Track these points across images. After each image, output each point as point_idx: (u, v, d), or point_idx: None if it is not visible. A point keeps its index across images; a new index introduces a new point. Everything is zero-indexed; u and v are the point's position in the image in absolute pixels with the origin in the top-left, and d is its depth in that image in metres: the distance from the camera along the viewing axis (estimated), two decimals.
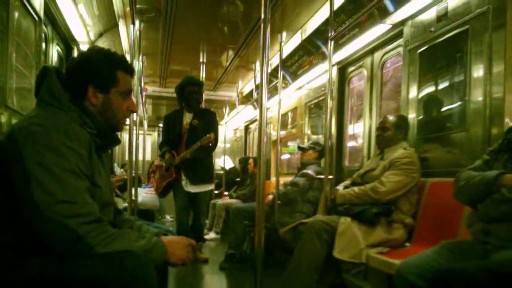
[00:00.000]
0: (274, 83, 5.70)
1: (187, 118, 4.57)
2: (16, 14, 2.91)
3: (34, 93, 1.59)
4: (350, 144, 4.91)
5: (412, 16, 3.43)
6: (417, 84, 3.36)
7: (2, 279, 1.36)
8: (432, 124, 3.21)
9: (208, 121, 4.49)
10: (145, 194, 6.60)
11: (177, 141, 4.54)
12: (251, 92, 7.68)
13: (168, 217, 9.02)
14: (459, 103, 2.93)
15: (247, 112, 8.69)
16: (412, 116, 3.39)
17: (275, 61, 5.90)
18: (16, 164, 1.35)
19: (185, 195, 4.51)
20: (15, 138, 1.37)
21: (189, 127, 4.50)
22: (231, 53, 6.56)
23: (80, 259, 1.36)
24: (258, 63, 6.59)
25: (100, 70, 1.60)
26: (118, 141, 1.73)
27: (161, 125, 12.67)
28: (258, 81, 6.33)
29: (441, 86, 3.12)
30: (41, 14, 3.40)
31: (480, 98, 2.72)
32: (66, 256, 1.36)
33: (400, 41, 3.75)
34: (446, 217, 2.67)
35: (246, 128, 9.76)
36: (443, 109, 3.09)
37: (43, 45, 3.94)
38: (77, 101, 1.57)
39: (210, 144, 4.14)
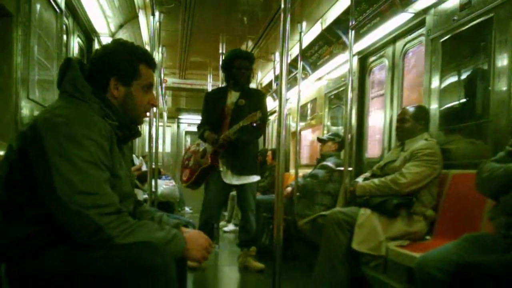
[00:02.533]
0: (293, 73, 5.67)
1: (233, 97, 3.99)
2: (38, 6, 2.94)
3: (56, 85, 1.61)
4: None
5: (435, 5, 3.36)
6: (439, 74, 3.30)
7: (20, 270, 1.38)
8: (455, 114, 3.15)
9: (256, 102, 3.94)
10: (165, 186, 6.66)
11: (218, 123, 3.95)
12: (270, 83, 7.65)
13: (187, 208, 9.10)
14: (482, 93, 2.87)
15: (267, 103, 8.65)
16: (434, 106, 3.33)
17: (294, 51, 5.86)
18: (38, 155, 1.37)
19: (220, 187, 3.96)
20: (37, 129, 1.39)
21: (234, 107, 3.93)
22: (250, 43, 6.54)
23: (98, 250, 1.37)
24: (277, 54, 6.56)
25: (123, 63, 1.61)
26: (138, 134, 1.75)
27: (180, 116, 12.74)
28: (277, 72, 6.32)
29: (464, 75, 3.06)
30: (62, 6, 3.44)
31: (505, 88, 2.65)
32: (85, 247, 1.37)
33: (422, 30, 3.68)
34: (468, 209, 2.63)
35: None
36: (466, 99, 3.03)
37: (64, 37, 3.99)
38: (99, 93, 1.58)
39: (254, 124, 3.62)
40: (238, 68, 3.92)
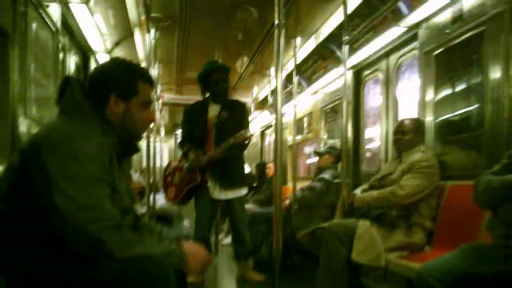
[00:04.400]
0: (289, 88, 5.70)
1: (214, 110, 3.91)
2: (34, 25, 2.97)
3: (56, 102, 1.63)
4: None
5: (427, 19, 3.40)
6: (433, 87, 3.33)
7: (19, 274, 1.39)
8: (449, 127, 3.17)
9: (239, 114, 3.91)
10: (163, 200, 6.63)
11: (202, 138, 3.87)
12: (266, 98, 7.68)
13: (185, 223, 9.04)
14: (476, 105, 2.89)
15: (263, 118, 8.69)
16: (429, 119, 3.36)
17: (289, 66, 5.90)
18: (39, 172, 1.38)
19: (210, 203, 3.88)
20: (37, 147, 1.40)
21: (217, 121, 3.85)
22: (245, 59, 6.57)
23: (100, 261, 1.38)
24: (273, 69, 6.60)
25: (122, 80, 1.63)
26: (137, 150, 1.77)
27: (177, 132, 12.65)
28: (273, 86, 6.34)
29: (458, 88, 3.08)
30: (58, 25, 3.46)
31: (498, 100, 2.68)
32: (87, 258, 1.38)
33: (415, 43, 3.72)
34: (466, 220, 2.64)
35: (262, 134, 9.76)
36: (460, 112, 3.05)
37: (61, 55, 4.01)
38: (99, 110, 1.60)
39: (246, 142, 3.64)
40: (215, 83, 3.87)
